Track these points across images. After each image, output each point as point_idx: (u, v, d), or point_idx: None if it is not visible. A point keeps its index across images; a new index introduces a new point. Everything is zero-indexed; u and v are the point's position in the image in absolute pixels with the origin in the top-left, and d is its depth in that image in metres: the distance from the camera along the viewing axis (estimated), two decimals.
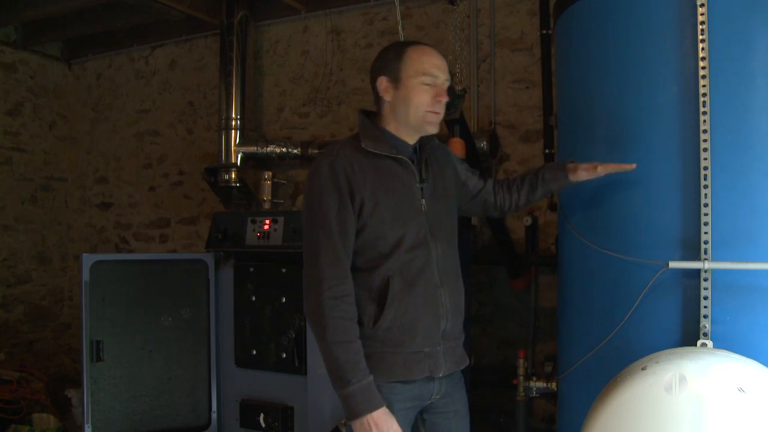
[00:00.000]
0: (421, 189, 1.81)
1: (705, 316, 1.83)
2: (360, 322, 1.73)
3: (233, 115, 4.23)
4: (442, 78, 1.78)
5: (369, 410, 1.64)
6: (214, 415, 3.38)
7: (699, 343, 1.83)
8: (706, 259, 1.83)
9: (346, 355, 1.64)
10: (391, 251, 1.73)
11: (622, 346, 1.97)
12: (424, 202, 1.80)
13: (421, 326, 1.75)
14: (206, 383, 3.37)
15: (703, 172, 1.85)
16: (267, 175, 4.02)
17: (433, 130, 1.82)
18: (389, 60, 1.79)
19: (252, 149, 4.23)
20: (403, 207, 1.76)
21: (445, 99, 1.78)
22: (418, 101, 1.76)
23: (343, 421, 2.71)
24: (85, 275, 3.13)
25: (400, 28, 3.07)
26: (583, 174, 1.97)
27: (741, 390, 1.61)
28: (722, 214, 1.84)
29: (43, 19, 4.73)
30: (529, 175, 2.07)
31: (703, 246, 1.84)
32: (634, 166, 1.93)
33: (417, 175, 1.81)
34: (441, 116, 1.81)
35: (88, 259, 3.16)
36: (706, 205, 1.84)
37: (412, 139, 1.84)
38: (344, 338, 1.66)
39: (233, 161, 4.20)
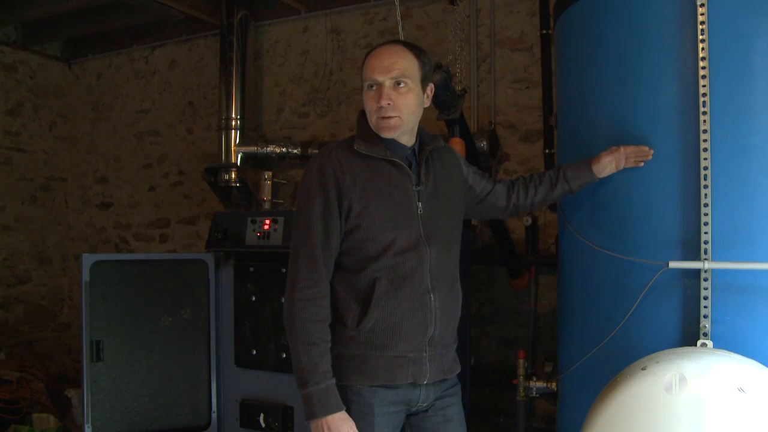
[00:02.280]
0: (418, 192, 1.77)
1: (705, 316, 1.83)
2: (345, 323, 1.74)
3: (233, 115, 4.24)
4: (381, 80, 1.70)
5: (324, 413, 1.64)
6: (214, 415, 3.38)
7: (699, 343, 1.83)
8: (706, 259, 1.83)
9: (307, 357, 1.66)
10: (380, 254, 1.71)
11: (622, 346, 1.97)
12: (420, 206, 1.76)
13: (406, 330, 1.72)
14: (206, 383, 3.37)
15: (703, 172, 1.85)
16: (267, 175, 4.02)
17: (388, 134, 1.74)
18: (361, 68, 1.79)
19: (252, 149, 4.23)
20: (396, 210, 1.73)
21: (385, 102, 1.68)
22: (368, 108, 1.74)
23: None
24: (85, 275, 3.13)
25: (400, 28, 3.07)
26: (606, 160, 1.97)
27: (741, 390, 1.61)
28: (722, 214, 1.84)
29: (43, 19, 4.73)
30: (548, 173, 2.05)
31: (703, 246, 1.84)
32: (652, 151, 1.93)
33: (414, 177, 1.78)
34: (396, 120, 1.71)
35: (88, 259, 3.16)
36: (706, 205, 1.84)
37: (409, 141, 1.81)
38: (307, 340, 1.66)
39: (233, 161, 4.20)
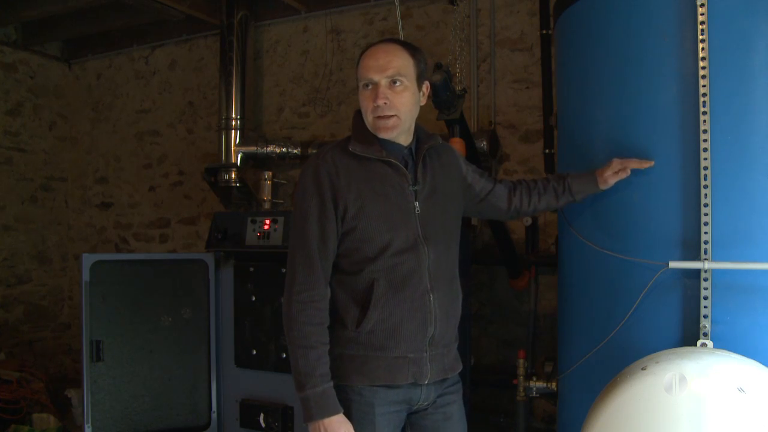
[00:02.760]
0: (415, 192, 1.76)
1: (705, 316, 1.83)
2: (344, 325, 1.74)
3: (233, 115, 4.24)
4: (377, 79, 1.69)
5: (321, 416, 1.64)
6: (214, 415, 3.38)
7: (699, 343, 1.83)
8: (706, 259, 1.83)
9: (304, 360, 1.66)
10: (377, 255, 1.70)
11: (622, 346, 1.97)
12: (417, 205, 1.75)
13: (406, 331, 1.72)
14: (206, 383, 3.37)
15: (703, 172, 1.85)
16: (267, 175, 4.03)
17: (386, 135, 1.73)
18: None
19: (252, 149, 4.23)
20: (392, 211, 1.73)
21: (381, 102, 1.68)
22: (364, 108, 1.74)
23: None
24: (85, 275, 3.13)
25: (400, 28, 3.07)
26: (612, 180, 1.97)
27: (741, 390, 1.61)
28: (722, 214, 1.84)
29: (43, 19, 4.73)
30: (552, 182, 2.04)
31: (703, 246, 1.84)
32: (652, 163, 1.93)
33: (410, 177, 1.77)
34: (395, 120, 1.71)
35: (88, 259, 3.16)
36: (706, 205, 1.84)
37: (406, 141, 1.80)
38: (305, 343, 1.67)
39: (233, 161, 4.20)
